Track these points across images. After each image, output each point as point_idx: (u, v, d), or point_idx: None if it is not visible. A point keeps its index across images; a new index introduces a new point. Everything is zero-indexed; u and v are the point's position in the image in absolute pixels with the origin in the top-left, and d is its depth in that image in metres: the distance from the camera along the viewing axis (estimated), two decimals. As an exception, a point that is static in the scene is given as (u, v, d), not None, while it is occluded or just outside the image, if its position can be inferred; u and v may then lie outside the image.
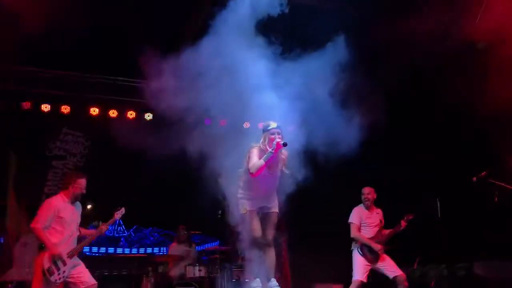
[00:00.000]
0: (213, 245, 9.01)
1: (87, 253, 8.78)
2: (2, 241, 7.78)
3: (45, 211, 4.98)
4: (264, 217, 4.71)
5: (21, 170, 8.31)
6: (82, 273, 5.04)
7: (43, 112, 8.39)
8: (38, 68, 8.27)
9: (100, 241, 9.52)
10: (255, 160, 4.49)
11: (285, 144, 4.42)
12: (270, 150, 4.44)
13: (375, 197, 6.21)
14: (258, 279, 4.54)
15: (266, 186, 4.68)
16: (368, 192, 6.20)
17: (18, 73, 8.21)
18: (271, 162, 4.50)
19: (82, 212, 5.35)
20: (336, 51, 5.47)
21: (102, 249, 10.32)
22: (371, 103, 8.08)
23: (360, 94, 6.75)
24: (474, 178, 5.23)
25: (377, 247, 5.91)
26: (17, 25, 7.08)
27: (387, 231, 6.12)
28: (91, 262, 5.58)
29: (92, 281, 5.05)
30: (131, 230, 10.09)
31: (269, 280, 4.58)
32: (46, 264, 4.84)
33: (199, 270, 6.96)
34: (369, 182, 6.41)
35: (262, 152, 4.55)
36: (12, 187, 8.21)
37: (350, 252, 6.27)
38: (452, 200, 6.71)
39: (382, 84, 7.60)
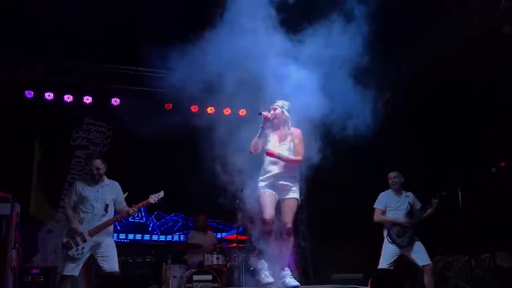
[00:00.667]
0: (232, 233, 9.04)
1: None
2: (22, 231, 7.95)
3: (70, 192, 5.35)
4: (282, 203, 4.64)
5: (45, 159, 8.51)
6: (109, 258, 5.13)
7: (66, 102, 8.56)
8: (61, 58, 8.42)
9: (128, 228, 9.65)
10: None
11: (259, 113, 4.64)
12: (260, 125, 4.67)
13: (402, 180, 6.13)
14: (263, 260, 4.53)
15: (274, 163, 4.66)
16: (395, 176, 6.12)
17: (42, 64, 8.39)
18: (277, 135, 4.70)
19: None
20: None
21: (130, 236, 10.45)
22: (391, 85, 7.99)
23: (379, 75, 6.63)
24: (494, 168, 5.12)
25: (399, 221, 5.83)
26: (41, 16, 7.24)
27: (421, 212, 5.99)
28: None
29: (114, 268, 5.12)
30: (152, 216, 10.13)
31: (283, 269, 4.56)
32: (65, 238, 5.08)
33: (217, 258, 6.99)
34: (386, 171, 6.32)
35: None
36: (37, 175, 8.41)
37: (370, 241, 6.19)
38: (473, 190, 6.56)
39: (402, 68, 7.52)
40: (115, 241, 5.45)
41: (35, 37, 7.67)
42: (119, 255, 5.31)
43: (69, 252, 5.00)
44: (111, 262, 5.13)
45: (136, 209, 5.31)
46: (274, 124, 4.75)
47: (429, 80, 7.95)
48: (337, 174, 7.60)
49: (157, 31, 7.45)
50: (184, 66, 8.36)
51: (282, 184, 4.64)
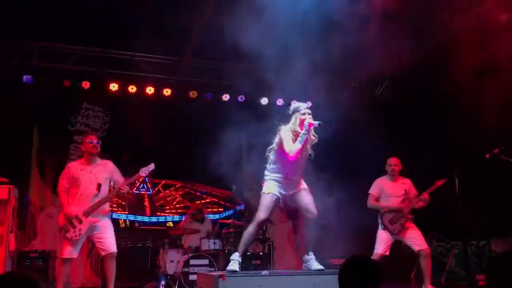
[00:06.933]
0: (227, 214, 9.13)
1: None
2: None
3: (63, 174, 5.30)
4: (298, 195, 4.65)
5: (44, 144, 8.53)
6: (105, 239, 5.14)
7: (64, 87, 8.56)
8: (59, 43, 8.40)
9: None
10: (290, 143, 4.45)
11: (320, 125, 4.45)
12: (303, 132, 4.44)
13: (400, 168, 6.10)
14: (237, 253, 4.56)
15: (295, 168, 4.61)
16: (395, 163, 6.08)
17: (40, 49, 8.37)
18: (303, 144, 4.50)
19: None
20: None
21: (131, 217, 10.43)
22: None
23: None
24: (487, 155, 5.14)
25: (391, 208, 5.83)
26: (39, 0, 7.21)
27: (414, 202, 5.98)
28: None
29: (111, 249, 5.12)
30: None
31: (307, 253, 4.62)
32: (61, 222, 5.07)
33: (214, 243, 7.04)
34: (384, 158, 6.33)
35: (293, 134, 4.53)
36: (36, 160, 8.45)
37: (363, 227, 6.21)
38: (470, 176, 6.58)
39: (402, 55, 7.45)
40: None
41: (32, 22, 7.65)
42: (120, 240, 5.33)
43: (67, 235, 5.01)
44: (107, 243, 5.12)
45: (126, 187, 5.20)
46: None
47: (429, 67, 7.91)
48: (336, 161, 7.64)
49: (155, 16, 7.42)
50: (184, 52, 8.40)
51: (290, 190, 4.64)
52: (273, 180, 4.63)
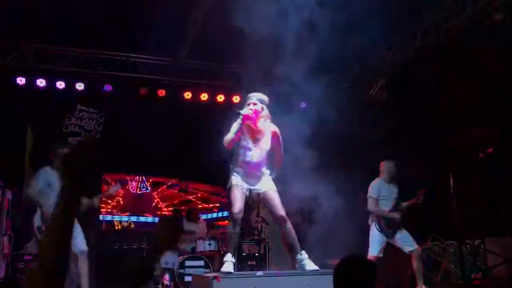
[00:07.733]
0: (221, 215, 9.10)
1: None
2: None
3: (37, 178, 5.38)
4: (265, 196, 4.61)
5: (38, 146, 8.47)
6: (76, 238, 5.19)
7: (58, 89, 8.52)
8: (53, 45, 8.36)
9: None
10: (231, 133, 4.45)
11: (238, 113, 4.38)
12: (237, 121, 4.41)
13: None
14: (229, 254, 4.52)
15: (251, 159, 4.53)
16: (394, 166, 6.10)
17: (34, 50, 8.33)
18: (250, 134, 4.46)
19: None
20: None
21: (125, 218, 10.35)
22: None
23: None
24: (481, 155, 5.14)
25: (394, 215, 5.85)
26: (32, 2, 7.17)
27: (404, 203, 6.03)
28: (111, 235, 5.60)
29: (81, 248, 5.25)
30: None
31: (298, 253, 4.57)
32: (36, 223, 5.16)
33: (209, 244, 7.03)
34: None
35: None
36: (29, 162, 8.39)
37: (361, 227, 6.20)
38: (464, 176, 6.58)
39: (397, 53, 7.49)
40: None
41: (27, 23, 7.61)
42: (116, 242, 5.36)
43: (40, 236, 5.06)
44: (76, 242, 5.18)
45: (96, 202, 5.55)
46: (254, 123, 4.51)
47: (424, 65, 7.92)
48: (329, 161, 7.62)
49: (150, 17, 7.40)
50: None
51: (254, 183, 4.60)
52: (236, 172, 4.57)
